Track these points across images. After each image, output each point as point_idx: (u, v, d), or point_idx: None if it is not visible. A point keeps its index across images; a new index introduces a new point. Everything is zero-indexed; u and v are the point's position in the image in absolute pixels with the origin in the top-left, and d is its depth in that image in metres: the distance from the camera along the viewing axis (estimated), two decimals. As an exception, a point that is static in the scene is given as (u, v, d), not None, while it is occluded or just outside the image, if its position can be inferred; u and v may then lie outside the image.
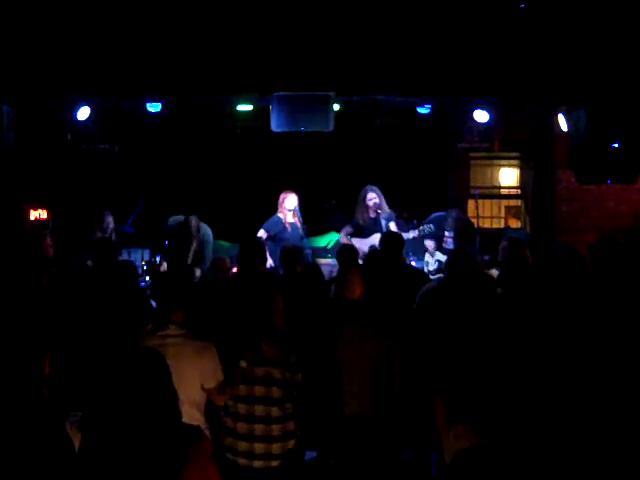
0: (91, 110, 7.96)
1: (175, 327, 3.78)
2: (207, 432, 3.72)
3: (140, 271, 7.90)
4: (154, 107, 8.00)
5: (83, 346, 4.26)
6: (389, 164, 9.43)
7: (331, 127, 7.68)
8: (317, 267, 5.22)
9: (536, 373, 3.82)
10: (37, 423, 2.65)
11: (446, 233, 7.64)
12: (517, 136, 9.52)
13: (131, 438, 2.72)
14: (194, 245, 7.53)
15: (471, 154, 10.14)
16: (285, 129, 7.74)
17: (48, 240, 5.88)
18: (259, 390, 3.85)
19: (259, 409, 3.85)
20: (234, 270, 6.06)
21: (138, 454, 2.57)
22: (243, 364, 3.87)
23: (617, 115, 7.19)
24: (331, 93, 7.60)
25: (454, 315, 4.43)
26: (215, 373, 3.77)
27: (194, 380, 3.69)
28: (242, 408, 3.87)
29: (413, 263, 7.62)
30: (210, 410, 3.89)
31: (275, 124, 7.69)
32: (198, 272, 7.19)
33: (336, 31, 7.16)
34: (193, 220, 7.52)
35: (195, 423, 3.67)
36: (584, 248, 5.26)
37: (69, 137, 8.36)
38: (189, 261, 7.51)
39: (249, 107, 8.05)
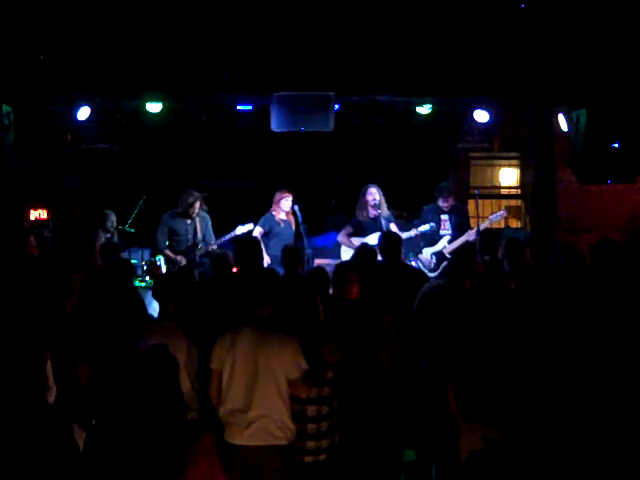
0: (91, 110, 7.95)
1: (257, 321, 3.92)
2: (290, 428, 3.82)
3: (140, 271, 7.92)
4: (154, 107, 8.00)
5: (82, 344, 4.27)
6: (389, 164, 9.42)
7: (331, 127, 7.68)
8: (324, 271, 5.18)
9: (539, 371, 3.82)
10: (41, 423, 2.66)
11: (442, 217, 7.60)
12: (517, 136, 9.50)
13: (136, 432, 2.73)
14: (198, 222, 7.60)
15: (471, 154, 10.13)
16: (285, 129, 7.74)
17: (32, 240, 5.86)
18: (312, 392, 3.95)
19: (311, 409, 3.94)
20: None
21: (142, 448, 2.58)
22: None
23: (617, 115, 7.20)
24: (331, 93, 7.60)
25: (460, 315, 4.42)
26: (298, 363, 3.84)
27: (279, 372, 3.81)
28: (294, 408, 3.94)
29: (413, 263, 7.61)
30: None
31: (275, 124, 7.69)
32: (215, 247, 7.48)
33: (336, 32, 7.17)
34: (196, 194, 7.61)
35: (279, 416, 3.78)
36: (584, 248, 5.26)
37: (69, 137, 8.36)
38: (199, 236, 7.57)
39: (249, 107, 8.07)
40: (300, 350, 3.86)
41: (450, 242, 7.49)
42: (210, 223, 7.76)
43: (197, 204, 7.57)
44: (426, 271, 7.53)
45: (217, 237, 7.69)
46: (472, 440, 3.66)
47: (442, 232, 7.60)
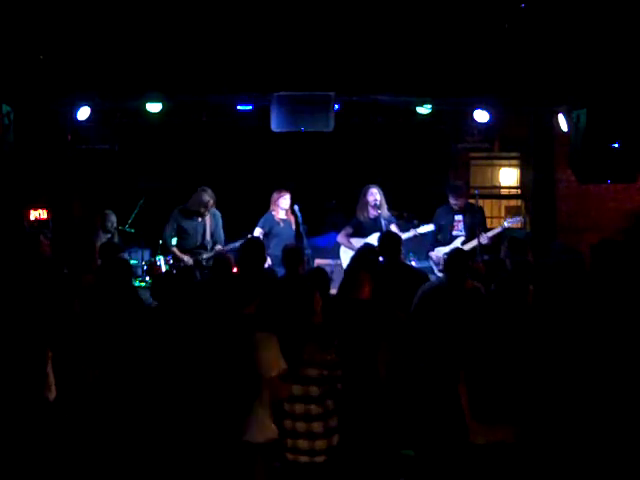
0: (91, 110, 7.95)
1: (241, 320, 3.96)
2: (268, 427, 3.86)
3: (140, 271, 7.91)
4: (154, 107, 8.00)
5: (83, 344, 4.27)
6: (389, 164, 9.42)
7: (331, 127, 7.68)
8: (324, 271, 5.18)
9: (541, 371, 3.84)
10: (41, 421, 2.66)
11: (455, 217, 7.51)
12: (517, 136, 9.51)
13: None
14: (209, 220, 7.54)
15: (471, 154, 10.14)
16: (285, 129, 7.74)
17: (43, 239, 5.87)
18: (296, 389, 3.94)
19: (299, 407, 3.94)
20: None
21: None
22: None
23: (617, 115, 7.20)
24: (331, 93, 7.60)
25: (460, 315, 4.43)
26: (277, 362, 3.87)
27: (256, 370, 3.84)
28: (285, 407, 3.97)
29: (413, 263, 7.59)
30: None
31: (275, 124, 7.68)
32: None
33: (336, 31, 7.16)
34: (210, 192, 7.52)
35: (258, 415, 3.81)
36: (584, 248, 5.27)
37: (69, 137, 8.36)
38: (207, 238, 7.52)
39: (249, 107, 8.07)
40: (279, 349, 3.89)
41: (463, 244, 7.34)
42: (221, 222, 7.71)
43: (210, 203, 7.51)
44: (435, 269, 7.47)
45: (226, 241, 7.64)
46: (482, 441, 3.67)
47: (455, 233, 7.49)
